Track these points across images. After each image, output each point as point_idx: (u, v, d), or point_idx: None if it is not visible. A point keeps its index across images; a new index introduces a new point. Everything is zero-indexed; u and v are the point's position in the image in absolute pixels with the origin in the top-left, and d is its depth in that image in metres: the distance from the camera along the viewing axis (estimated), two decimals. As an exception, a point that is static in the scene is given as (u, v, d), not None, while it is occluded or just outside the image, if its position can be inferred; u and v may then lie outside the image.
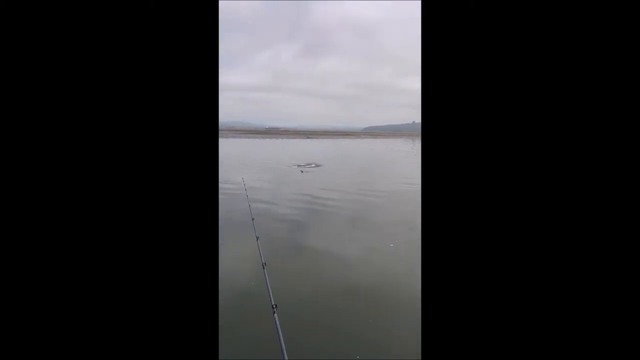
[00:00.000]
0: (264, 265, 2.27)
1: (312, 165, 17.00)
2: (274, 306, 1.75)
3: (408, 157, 26.20)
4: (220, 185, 10.42)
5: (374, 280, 4.01)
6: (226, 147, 31.45)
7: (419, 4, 1.14)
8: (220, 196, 8.65)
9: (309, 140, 60.09)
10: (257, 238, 2.83)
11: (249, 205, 4.28)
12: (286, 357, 1.40)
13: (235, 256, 4.44)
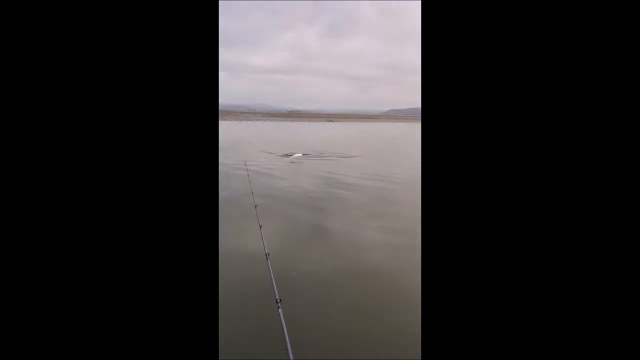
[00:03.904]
0: (267, 255, 2.15)
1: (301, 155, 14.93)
2: (278, 300, 1.64)
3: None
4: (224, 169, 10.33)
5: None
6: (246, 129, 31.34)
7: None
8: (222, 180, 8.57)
9: (329, 123, 60.17)
10: (260, 226, 2.71)
11: (252, 192, 4.16)
12: (292, 357, 1.29)
13: (238, 245, 4.36)
